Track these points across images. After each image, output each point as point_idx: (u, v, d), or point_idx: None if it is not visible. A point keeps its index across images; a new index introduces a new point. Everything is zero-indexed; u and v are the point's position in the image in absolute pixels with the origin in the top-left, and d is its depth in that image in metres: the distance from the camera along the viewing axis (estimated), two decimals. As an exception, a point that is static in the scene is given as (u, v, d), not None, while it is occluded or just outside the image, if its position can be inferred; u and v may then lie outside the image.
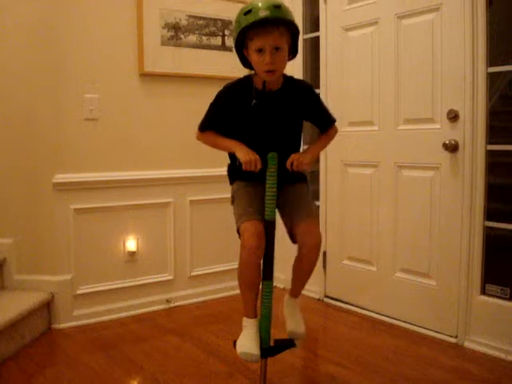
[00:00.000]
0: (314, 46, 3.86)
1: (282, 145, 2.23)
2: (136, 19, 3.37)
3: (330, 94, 3.66)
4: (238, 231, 2.26)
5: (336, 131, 2.44)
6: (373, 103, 3.38)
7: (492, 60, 2.78)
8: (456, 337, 2.98)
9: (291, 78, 2.28)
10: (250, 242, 2.16)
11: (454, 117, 2.91)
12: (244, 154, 2.16)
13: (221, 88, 2.30)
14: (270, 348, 2.28)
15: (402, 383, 2.52)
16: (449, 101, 2.94)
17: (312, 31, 3.85)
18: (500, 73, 2.80)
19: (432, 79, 3.02)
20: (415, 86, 3.12)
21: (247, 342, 2.23)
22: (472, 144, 2.85)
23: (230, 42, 3.74)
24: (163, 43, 3.48)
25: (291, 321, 2.39)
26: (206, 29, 3.65)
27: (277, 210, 2.27)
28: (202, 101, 3.63)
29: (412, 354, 2.84)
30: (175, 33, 3.52)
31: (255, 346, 2.21)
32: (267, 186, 2.17)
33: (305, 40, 3.90)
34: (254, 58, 2.13)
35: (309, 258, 2.28)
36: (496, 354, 2.78)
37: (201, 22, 3.61)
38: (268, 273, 2.24)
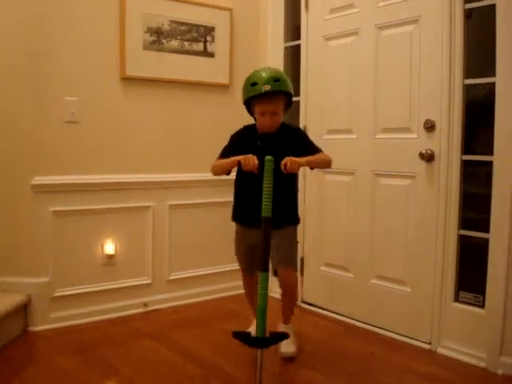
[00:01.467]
0: (294, 54, 3.90)
1: (280, 178, 2.56)
2: (118, 23, 3.38)
3: (309, 102, 3.70)
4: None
5: (330, 159, 2.78)
6: (351, 112, 3.42)
7: (469, 72, 2.84)
8: (430, 343, 3.03)
9: (284, 124, 2.76)
10: (245, 281, 2.99)
11: (430, 127, 2.96)
12: (243, 156, 2.54)
13: (234, 131, 2.82)
14: (265, 338, 2.47)
15: (376, 388, 2.55)
16: (426, 111, 2.99)
17: (293, 39, 3.90)
18: (475, 85, 2.85)
19: (410, 89, 3.07)
20: (393, 96, 3.17)
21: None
22: (448, 154, 2.90)
23: (211, 47, 3.76)
24: (145, 47, 3.49)
25: (283, 344, 2.82)
26: (188, 34, 3.66)
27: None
28: (183, 105, 3.69)
29: (386, 360, 2.88)
30: (157, 37, 3.53)
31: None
32: (264, 185, 2.48)
33: (286, 48, 3.94)
34: (257, 117, 2.68)
35: (287, 295, 2.91)
36: (469, 360, 2.82)
37: (183, 27, 3.63)
38: (264, 265, 2.47)
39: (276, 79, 2.55)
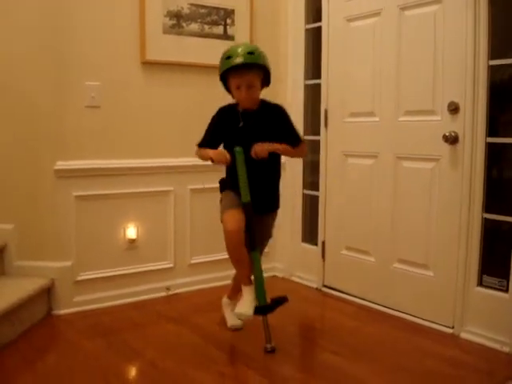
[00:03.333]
0: (315, 36, 3.86)
1: (260, 164, 2.65)
2: (138, 7, 3.37)
3: (331, 85, 3.67)
4: (222, 221, 2.69)
5: (306, 151, 2.93)
6: (374, 94, 3.38)
7: (494, 53, 2.78)
8: (452, 327, 3.00)
9: (265, 102, 2.78)
10: (228, 226, 2.62)
11: (454, 109, 2.91)
12: (212, 152, 2.67)
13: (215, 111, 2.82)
14: (267, 305, 2.72)
15: (398, 373, 2.54)
16: (450, 93, 2.94)
17: (314, 21, 3.85)
18: (501, 66, 2.80)
19: (433, 71, 3.02)
20: (416, 78, 3.12)
21: (244, 305, 2.68)
22: (472, 136, 2.86)
23: (231, 31, 3.74)
24: (165, 31, 3.48)
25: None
26: (208, 17, 3.64)
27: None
28: (203, 89, 3.68)
29: (408, 344, 2.87)
30: (177, 21, 3.51)
31: (248, 307, 2.67)
32: (238, 174, 2.63)
33: (307, 30, 3.90)
34: (233, 91, 2.69)
35: None
36: (491, 344, 2.80)
37: (203, 10, 3.61)
38: (252, 245, 2.68)
39: (250, 52, 2.59)
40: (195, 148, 2.80)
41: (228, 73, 2.64)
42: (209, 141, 2.76)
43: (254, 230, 2.68)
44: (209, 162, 2.72)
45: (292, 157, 2.97)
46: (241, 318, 2.74)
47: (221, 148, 2.76)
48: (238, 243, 2.63)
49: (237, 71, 2.60)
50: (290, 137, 2.74)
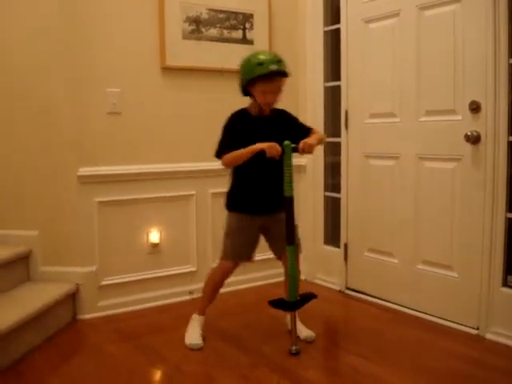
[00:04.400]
0: (334, 38, 3.86)
1: (275, 164, 2.73)
2: (157, 13, 3.40)
3: (351, 86, 3.66)
4: (222, 257, 2.93)
5: (321, 133, 3.04)
6: (394, 95, 3.37)
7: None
8: (477, 328, 2.98)
9: (273, 108, 2.86)
10: (228, 269, 2.90)
11: (475, 108, 2.89)
12: (263, 145, 2.65)
13: (226, 120, 2.85)
14: (297, 301, 2.79)
15: (423, 374, 2.52)
16: (471, 92, 2.92)
17: (333, 23, 3.85)
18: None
19: (454, 70, 3.00)
20: (437, 78, 3.10)
21: (194, 335, 2.91)
22: (494, 136, 2.83)
23: (250, 35, 3.75)
24: (184, 37, 3.50)
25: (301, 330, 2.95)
26: (226, 22, 3.66)
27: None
28: (223, 94, 3.69)
29: (433, 346, 2.85)
30: (196, 26, 3.54)
31: (199, 337, 2.89)
32: (285, 167, 2.70)
33: (325, 32, 3.90)
34: (259, 96, 2.74)
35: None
36: (518, 345, 2.78)
37: (221, 15, 3.63)
38: (290, 239, 2.74)
39: (279, 60, 2.70)
40: (220, 160, 2.78)
41: (256, 78, 2.68)
42: (233, 145, 2.73)
43: (294, 224, 2.75)
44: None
45: (319, 144, 2.95)
46: (193, 348, 2.84)
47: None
48: (225, 280, 2.95)
49: (269, 78, 2.66)
50: (301, 130, 2.89)
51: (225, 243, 2.91)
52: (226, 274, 2.91)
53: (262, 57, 2.70)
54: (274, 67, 2.65)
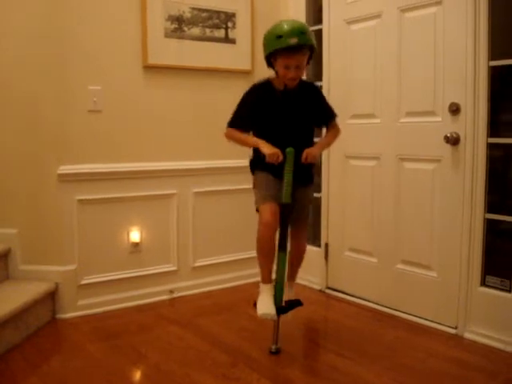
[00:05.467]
0: (316, 38, 3.84)
1: (299, 139, 2.67)
2: (140, 11, 3.38)
3: (332, 87, 3.68)
4: (257, 210, 2.72)
5: (339, 130, 2.86)
6: (375, 96, 3.39)
7: (494, 54, 2.79)
8: (456, 328, 3.01)
9: (303, 81, 2.73)
10: (267, 219, 2.62)
11: (455, 110, 2.92)
12: (269, 149, 2.57)
13: (247, 88, 2.72)
14: (282, 307, 2.74)
15: (402, 373, 2.54)
16: (450, 94, 2.95)
17: (315, 24, 3.86)
18: (501, 66, 2.80)
19: (434, 72, 3.03)
20: (417, 79, 3.13)
21: (265, 304, 2.67)
22: (473, 137, 2.86)
23: (233, 34, 3.75)
24: (167, 35, 3.49)
25: (288, 293, 2.89)
26: (209, 21, 3.66)
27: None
28: (205, 93, 3.69)
29: (412, 345, 2.87)
30: (179, 25, 3.53)
31: (272, 307, 2.66)
32: (285, 173, 2.60)
33: (308, 32, 3.91)
34: (280, 70, 2.57)
35: (295, 258, 2.94)
36: (495, 344, 2.80)
37: (204, 14, 3.62)
38: (283, 246, 2.69)
39: (303, 31, 2.49)
40: (225, 129, 2.72)
41: (276, 51, 2.53)
42: (244, 121, 2.66)
43: (287, 231, 2.71)
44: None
45: (331, 144, 2.91)
46: (267, 319, 2.67)
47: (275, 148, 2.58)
48: (271, 237, 2.65)
49: (289, 52, 2.49)
50: (326, 113, 2.80)
51: (255, 194, 2.75)
52: (267, 224, 2.62)
53: (282, 28, 2.50)
54: (293, 41, 2.45)
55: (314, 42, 2.57)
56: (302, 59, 2.55)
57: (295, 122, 2.66)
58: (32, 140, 3.21)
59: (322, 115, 2.80)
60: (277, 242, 2.70)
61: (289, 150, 2.58)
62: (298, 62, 2.54)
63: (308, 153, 2.62)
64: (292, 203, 2.68)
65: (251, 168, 2.83)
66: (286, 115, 2.64)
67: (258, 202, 2.72)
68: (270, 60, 2.62)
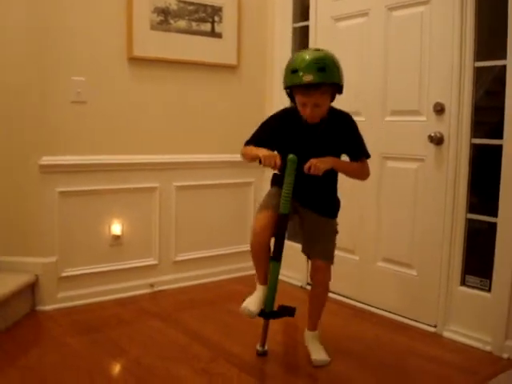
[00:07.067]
0: (303, 35, 3.87)
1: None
2: (126, 2, 3.35)
3: (317, 84, 3.67)
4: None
5: (366, 172, 2.63)
6: (360, 94, 3.39)
7: (479, 55, 2.81)
8: (435, 326, 3.03)
9: (334, 110, 2.49)
10: (255, 228, 2.53)
11: (440, 110, 2.94)
12: (263, 152, 2.36)
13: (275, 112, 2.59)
14: (272, 312, 2.60)
15: (381, 371, 2.56)
16: (436, 94, 2.97)
17: (302, 20, 3.86)
18: (487, 67, 2.82)
19: (420, 71, 3.04)
20: (403, 78, 3.14)
21: (251, 302, 2.53)
22: (457, 137, 2.88)
23: (219, 28, 3.73)
24: (152, 28, 3.46)
25: (313, 351, 2.67)
26: (195, 14, 3.63)
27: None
28: (190, 86, 3.67)
29: (392, 343, 2.89)
30: (165, 17, 3.50)
31: (256, 306, 2.52)
32: (284, 183, 2.40)
33: (294, 29, 3.91)
34: (298, 106, 2.39)
35: (319, 295, 2.69)
36: (474, 343, 2.83)
37: (191, 7, 3.60)
38: (276, 256, 2.54)
39: (321, 67, 2.25)
40: (242, 148, 2.56)
41: (291, 87, 2.36)
42: (261, 140, 2.48)
43: (283, 242, 2.52)
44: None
45: (351, 176, 2.64)
46: (244, 313, 2.52)
47: (275, 152, 2.44)
48: (260, 245, 2.54)
49: (304, 89, 2.28)
50: (354, 148, 2.55)
51: (259, 206, 2.63)
52: (255, 234, 2.53)
53: (299, 61, 2.28)
54: (307, 78, 2.22)
55: (338, 78, 2.35)
56: (320, 99, 2.32)
57: (317, 154, 2.41)
58: (13, 130, 3.16)
59: (351, 151, 2.57)
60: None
61: (291, 157, 2.36)
62: (317, 101, 2.32)
63: (313, 163, 2.35)
64: (288, 214, 2.48)
65: (271, 182, 2.70)
66: (308, 145, 2.44)
67: (257, 211, 2.63)
68: (292, 93, 2.43)
